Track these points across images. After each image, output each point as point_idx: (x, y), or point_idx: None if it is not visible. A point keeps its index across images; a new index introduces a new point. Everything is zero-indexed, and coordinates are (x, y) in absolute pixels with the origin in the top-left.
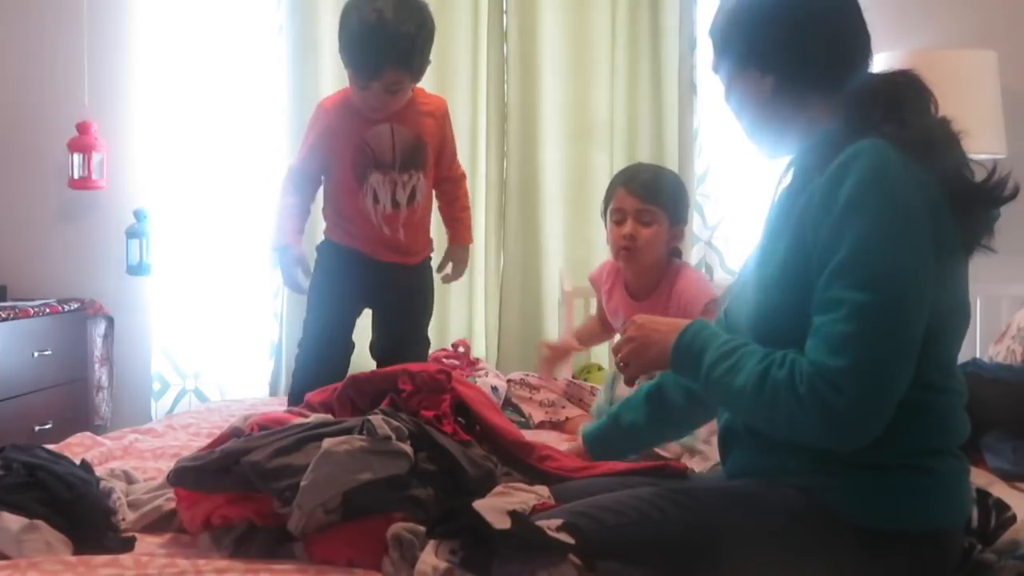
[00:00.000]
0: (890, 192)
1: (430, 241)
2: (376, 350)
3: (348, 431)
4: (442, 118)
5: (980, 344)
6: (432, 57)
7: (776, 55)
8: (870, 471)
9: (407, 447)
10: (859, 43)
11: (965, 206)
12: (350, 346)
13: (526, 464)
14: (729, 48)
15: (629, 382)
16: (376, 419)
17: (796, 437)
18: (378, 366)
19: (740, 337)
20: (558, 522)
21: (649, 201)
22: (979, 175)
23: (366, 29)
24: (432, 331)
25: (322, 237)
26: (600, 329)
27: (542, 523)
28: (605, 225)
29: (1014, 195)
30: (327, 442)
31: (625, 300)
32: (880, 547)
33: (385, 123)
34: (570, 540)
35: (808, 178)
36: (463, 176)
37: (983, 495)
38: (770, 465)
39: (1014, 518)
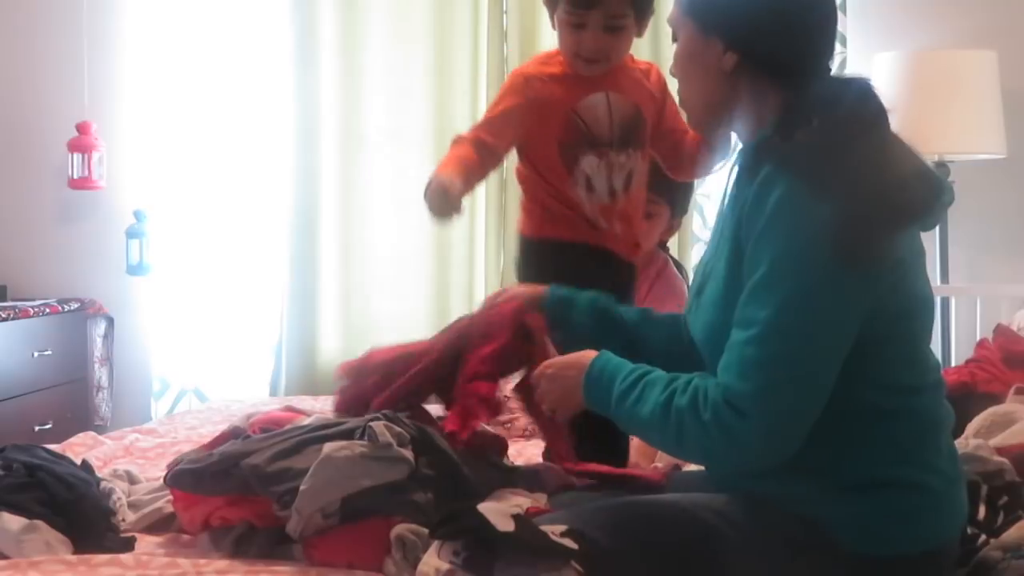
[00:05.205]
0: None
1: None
2: None
3: (349, 434)
4: (660, 84)
5: None
6: (432, 57)
7: (749, 34)
8: (863, 493)
9: (408, 453)
10: (828, 45)
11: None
12: None
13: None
14: (697, 9)
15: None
16: (378, 425)
17: (707, 462)
18: None
19: (644, 366)
20: (562, 527)
21: (655, 194)
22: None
23: None
24: (432, 331)
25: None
26: None
27: (545, 528)
28: None
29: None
30: (327, 447)
31: None
32: (877, 571)
33: (600, 91)
34: (573, 546)
35: (747, 180)
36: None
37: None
38: (762, 486)
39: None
